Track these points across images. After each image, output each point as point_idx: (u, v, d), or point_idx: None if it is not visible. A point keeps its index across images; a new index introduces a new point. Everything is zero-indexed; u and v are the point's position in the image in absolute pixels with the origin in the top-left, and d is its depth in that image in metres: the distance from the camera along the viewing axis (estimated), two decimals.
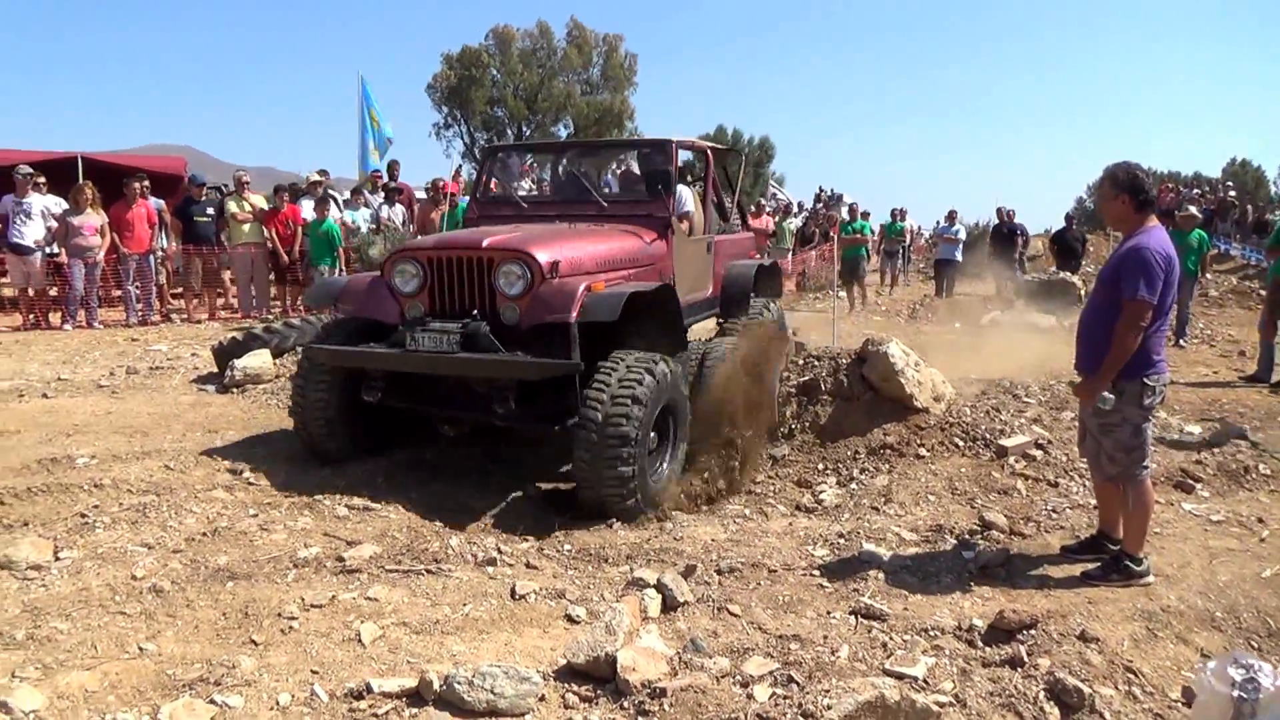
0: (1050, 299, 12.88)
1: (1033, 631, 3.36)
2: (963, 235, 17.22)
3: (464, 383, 5.22)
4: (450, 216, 10.20)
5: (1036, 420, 6.09)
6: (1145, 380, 3.81)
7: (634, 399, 4.68)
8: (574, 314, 4.80)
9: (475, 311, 5.04)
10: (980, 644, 3.32)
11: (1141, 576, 3.89)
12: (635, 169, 7.69)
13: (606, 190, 7.07)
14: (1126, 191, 3.83)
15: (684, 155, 6.80)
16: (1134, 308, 3.72)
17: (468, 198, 10.30)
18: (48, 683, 2.82)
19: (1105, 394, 3.80)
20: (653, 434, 5.00)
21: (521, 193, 7.71)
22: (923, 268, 23.55)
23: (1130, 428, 3.87)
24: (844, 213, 23.10)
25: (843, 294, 14.94)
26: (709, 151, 7.12)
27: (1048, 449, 5.62)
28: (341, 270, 10.99)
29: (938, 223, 17.73)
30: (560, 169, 7.88)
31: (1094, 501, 4.93)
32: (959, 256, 16.89)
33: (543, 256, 5.00)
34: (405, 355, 4.97)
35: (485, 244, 5.10)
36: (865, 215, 17.76)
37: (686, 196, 6.61)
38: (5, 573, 3.64)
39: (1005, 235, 16.65)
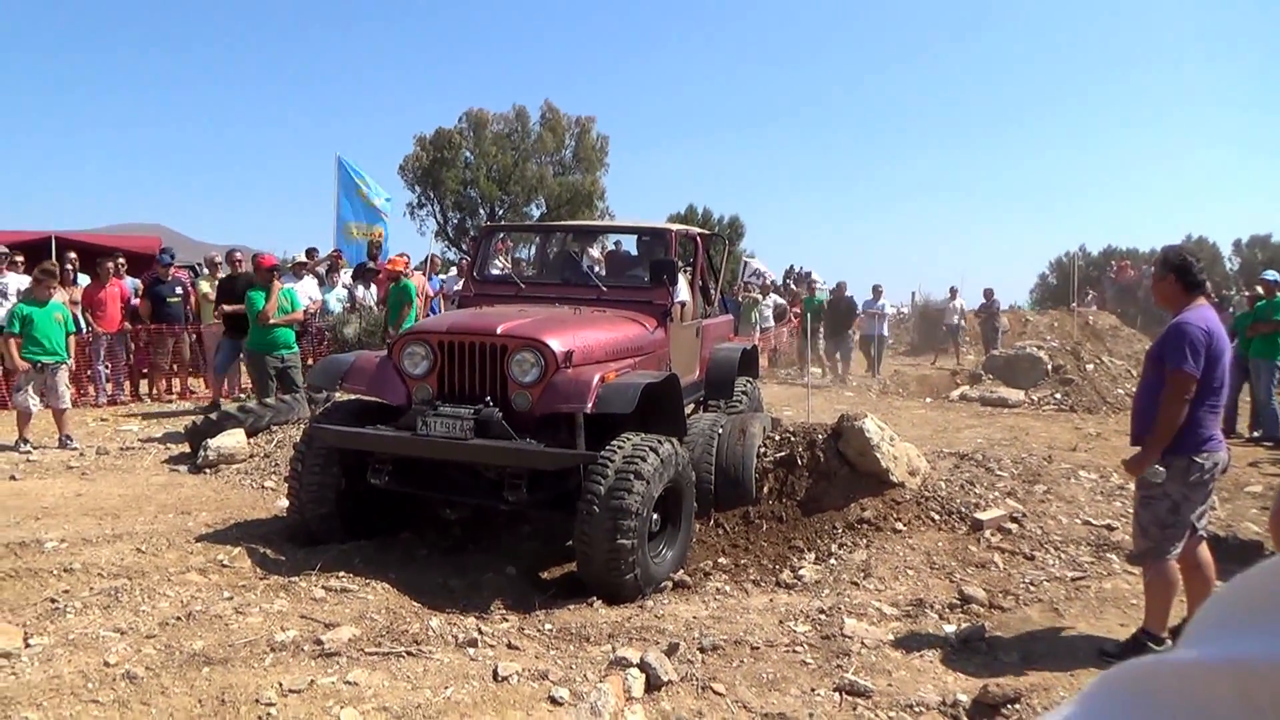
0: (1017, 374, 13.13)
1: (1016, 705, 3.38)
2: (889, 310, 17.56)
3: (472, 468, 5.12)
4: (393, 293, 10.08)
5: (1010, 494, 6.17)
6: (1194, 458, 3.83)
7: (637, 474, 4.60)
8: (589, 405, 4.75)
9: (486, 396, 4.96)
10: (965, 719, 3.33)
11: None
12: (623, 250, 7.79)
13: (589, 268, 7.16)
14: (1174, 272, 3.98)
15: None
16: (1176, 379, 3.79)
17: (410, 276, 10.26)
18: None
19: (1155, 466, 3.82)
20: (656, 515, 4.89)
21: (496, 271, 7.77)
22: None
23: (1169, 503, 3.86)
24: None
25: (816, 370, 15.07)
26: (698, 238, 7.22)
27: (1022, 522, 5.68)
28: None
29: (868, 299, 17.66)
30: (551, 250, 7.94)
31: (1071, 574, 4.99)
32: (885, 331, 17.15)
33: (557, 346, 4.93)
34: (418, 440, 4.87)
35: (499, 330, 5.02)
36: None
37: (682, 284, 6.66)
38: None
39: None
